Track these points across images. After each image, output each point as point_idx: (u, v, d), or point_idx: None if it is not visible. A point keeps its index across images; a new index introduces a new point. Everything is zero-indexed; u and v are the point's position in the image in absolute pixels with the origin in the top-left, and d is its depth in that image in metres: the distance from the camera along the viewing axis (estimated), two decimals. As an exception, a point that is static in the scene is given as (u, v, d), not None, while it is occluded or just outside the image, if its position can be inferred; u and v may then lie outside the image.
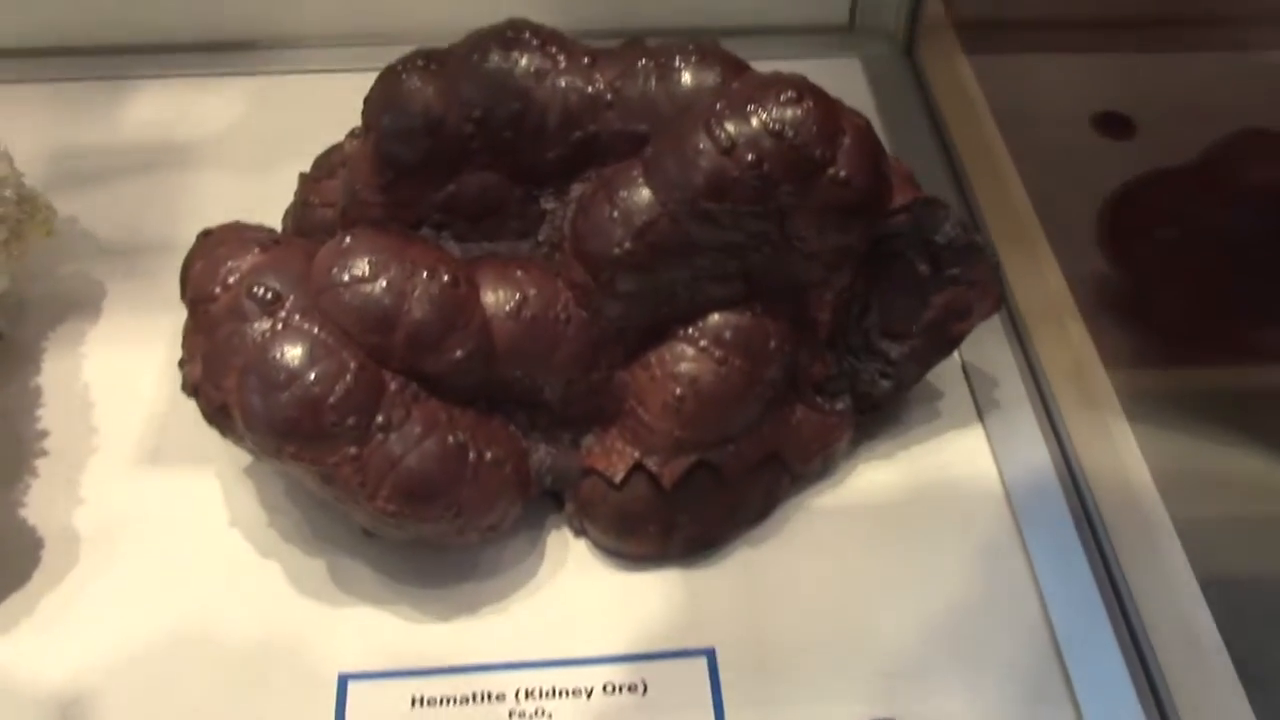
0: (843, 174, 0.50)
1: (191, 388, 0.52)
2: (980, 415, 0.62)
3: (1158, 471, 0.57)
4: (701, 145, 0.50)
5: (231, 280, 0.51)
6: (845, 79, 0.79)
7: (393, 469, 0.49)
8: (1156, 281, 0.64)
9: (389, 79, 0.54)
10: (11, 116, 0.76)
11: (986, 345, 0.65)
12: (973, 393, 0.63)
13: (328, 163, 0.61)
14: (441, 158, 0.53)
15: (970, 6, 0.83)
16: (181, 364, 0.53)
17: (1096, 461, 0.60)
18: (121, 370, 0.63)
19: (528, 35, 0.53)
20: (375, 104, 0.54)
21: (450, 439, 0.51)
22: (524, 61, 0.53)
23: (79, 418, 0.60)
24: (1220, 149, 0.59)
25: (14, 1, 0.79)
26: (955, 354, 0.64)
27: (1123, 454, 0.59)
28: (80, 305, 0.66)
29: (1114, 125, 0.72)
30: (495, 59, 0.53)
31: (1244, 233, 0.59)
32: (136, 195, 0.73)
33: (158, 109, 0.78)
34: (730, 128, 0.50)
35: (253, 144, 0.75)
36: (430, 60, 0.54)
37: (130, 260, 0.68)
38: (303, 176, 0.61)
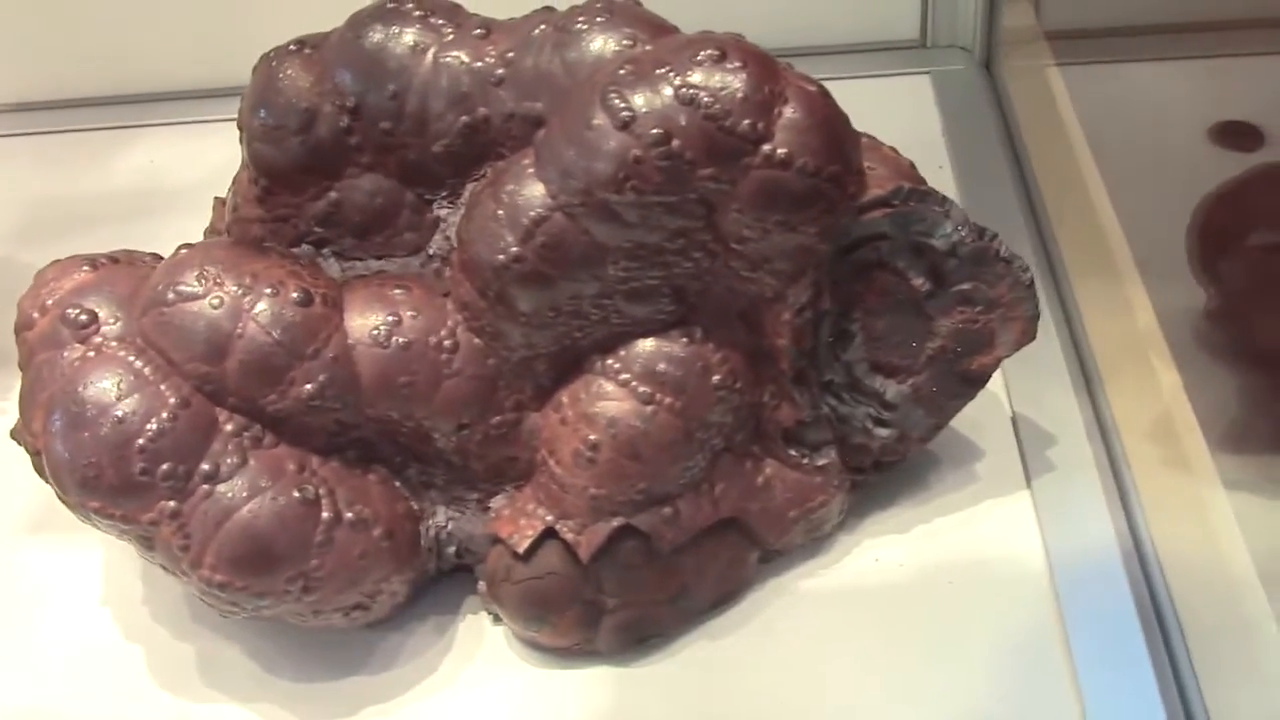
0: (781, 152, 0.39)
1: (12, 431, 0.44)
2: (1028, 480, 0.49)
3: (1264, 562, 0.44)
4: (596, 121, 0.39)
5: (50, 302, 0.43)
6: (912, 97, 0.70)
7: (218, 528, 0.40)
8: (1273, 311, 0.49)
9: (261, 69, 0.45)
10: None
11: (1047, 395, 0.52)
12: (1022, 452, 0.50)
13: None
14: (318, 159, 0.45)
15: (1067, 12, 0.71)
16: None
17: (1176, 544, 0.46)
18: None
19: (410, 6, 0.44)
20: (247, 100, 0.45)
21: (296, 493, 0.41)
22: (405, 37, 0.44)
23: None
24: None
25: (8, 54, 0.75)
26: (1006, 405, 0.51)
27: (1216, 535, 0.46)
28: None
29: (1239, 136, 0.59)
30: (374, 36, 0.44)
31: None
32: (111, 243, 0.67)
33: (149, 154, 0.73)
34: (633, 98, 0.39)
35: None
36: (306, 45, 0.45)
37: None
38: (218, 202, 0.53)
